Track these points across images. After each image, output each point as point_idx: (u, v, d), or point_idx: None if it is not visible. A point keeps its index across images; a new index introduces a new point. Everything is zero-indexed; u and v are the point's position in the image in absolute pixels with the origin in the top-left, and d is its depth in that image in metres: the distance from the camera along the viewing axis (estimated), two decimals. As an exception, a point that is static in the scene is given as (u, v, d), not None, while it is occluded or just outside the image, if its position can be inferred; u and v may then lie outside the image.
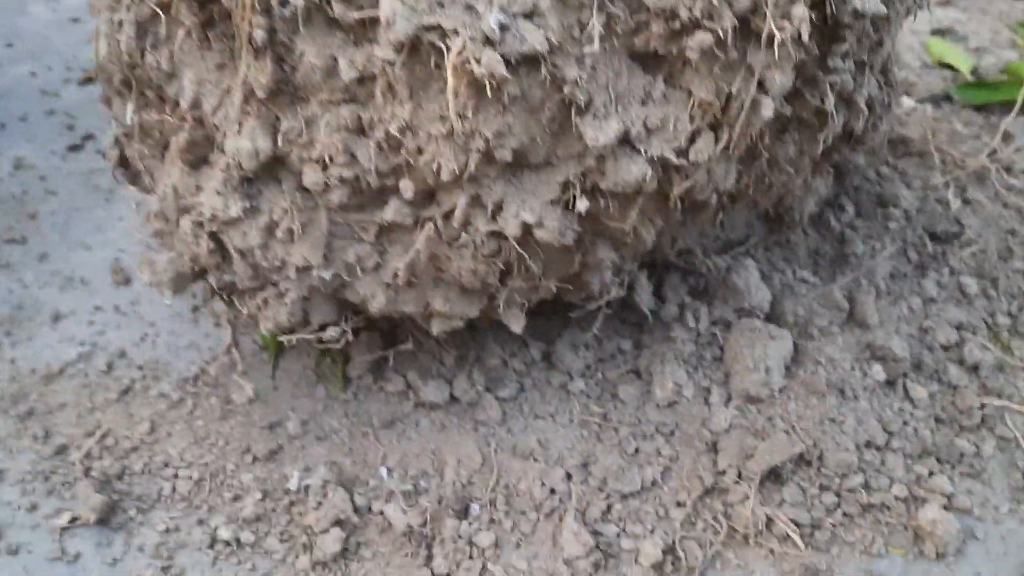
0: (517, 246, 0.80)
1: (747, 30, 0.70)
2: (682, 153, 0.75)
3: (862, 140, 0.98)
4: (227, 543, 0.94)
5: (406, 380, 1.08)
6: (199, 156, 0.84)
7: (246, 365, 1.10)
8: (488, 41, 0.66)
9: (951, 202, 1.25)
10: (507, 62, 0.66)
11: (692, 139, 0.75)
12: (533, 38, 0.68)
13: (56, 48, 1.69)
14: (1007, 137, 1.39)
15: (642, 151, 0.74)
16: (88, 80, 1.58)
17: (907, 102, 1.48)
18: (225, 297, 0.93)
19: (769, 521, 0.96)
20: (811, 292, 1.11)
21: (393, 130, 0.74)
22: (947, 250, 1.20)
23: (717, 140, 0.76)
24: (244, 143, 0.76)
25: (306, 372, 1.11)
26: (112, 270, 1.24)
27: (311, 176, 0.79)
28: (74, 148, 1.44)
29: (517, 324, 0.95)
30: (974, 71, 1.55)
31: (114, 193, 1.37)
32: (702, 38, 0.68)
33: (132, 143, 0.92)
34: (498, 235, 0.81)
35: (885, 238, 1.18)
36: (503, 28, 0.67)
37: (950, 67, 1.59)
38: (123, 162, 0.98)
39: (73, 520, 0.97)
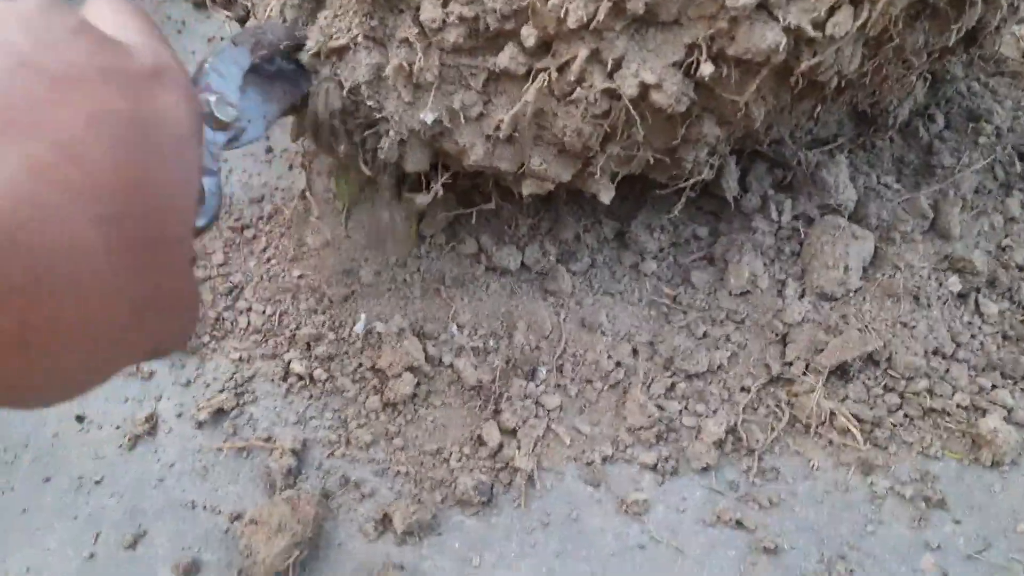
0: (630, 107, 0.79)
1: None
2: (819, 25, 0.73)
3: (982, 44, 0.95)
4: (300, 377, 0.96)
5: (479, 243, 1.08)
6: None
7: (321, 211, 1.10)
8: None
9: (1043, 124, 1.23)
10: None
11: (832, 11, 0.73)
12: None
13: None
14: (1104, 66, 1.35)
15: (779, 18, 0.72)
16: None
17: (1004, 20, 1.44)
18: (319, 133, 0.92)
19: (832, 414, 0.97)
20: (896, 197, 1.10)
21: (526, -31, 0.71)
22: (1034, 172, 1.18)
23: (856, 16, 0.73)
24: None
25: (379, 225, 1.11)
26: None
27: (429, 11, 0.77)
28: (150, -23, 1.41)
29: (607, 194, 0.94)
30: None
31: (186, 25, 1.34)
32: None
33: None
34: (611, 94, 0.79)
35: (973, 152, 1.16)
36: None
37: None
38: (222, -16, 0.95)
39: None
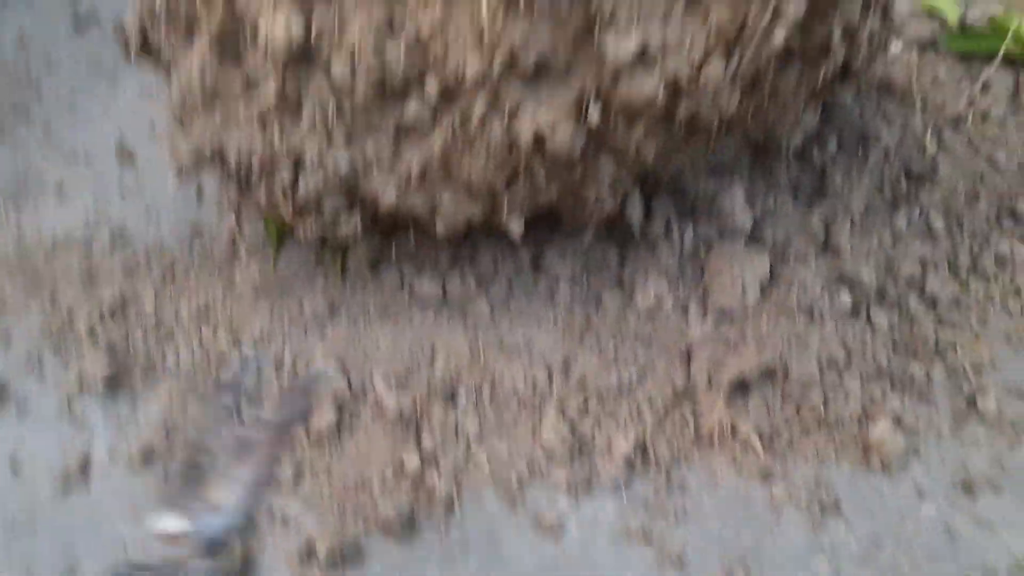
0: (527, 151, 0.85)
1: (767, -40, 0.74)
2: (694, 74, 0.80)
3: (856, 76, 1.03)
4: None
5: (402, 275, 1.14)
6: (226, 41, 0.86)
7: (250, 251, 1.14)
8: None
9: (928, 144, 1.32)
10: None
11: (705, 61, 0.80)
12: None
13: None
14: (986, 86, 1.45)
15: (657, 68, 0.79)
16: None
17: (895, 46, 1.53)
18: (240, 182, 0.97)
19: (734, 427, 1.04)
20: (790, 219, 1.17)
21: (423, 30, 0.77)
22: (920, 189, 1.26)
23: (728, 64, 0.80)
24: (277, 26, 0.79)
25: (306, 262, 1.15)
26: (116, 149, 1.26)
27: (339, 69, 0.82)
28: (79, 27, 1.44)
29: (516, 228, 1.00)
30: (961, 20, 1.60)
31: (118, 74, 1.37)
32: (725, -37, 0.72)
33: (158, 25, 0.94)
34: (511, 140, 0.85)
35: (863, 173, 1.24)
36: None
37: (938, 15, 1.63)
38: (144, 44, 1.00)
39: (79, 383, 1.01)
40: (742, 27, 0.76)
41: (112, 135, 1.28)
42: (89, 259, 1.13)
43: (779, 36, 0.76)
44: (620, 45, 0.76)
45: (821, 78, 0.89)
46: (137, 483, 0.96)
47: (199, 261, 1.14)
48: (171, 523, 0.58)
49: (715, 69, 0.80)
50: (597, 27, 0.76)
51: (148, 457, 0.97)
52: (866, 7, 0.86)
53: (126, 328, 1.06)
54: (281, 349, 1.05)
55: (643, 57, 0.79)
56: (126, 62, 1.10)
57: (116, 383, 1.02)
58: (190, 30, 0.91)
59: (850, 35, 0.88)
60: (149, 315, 1.08)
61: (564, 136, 0.83)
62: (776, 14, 0.75)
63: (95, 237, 1.15)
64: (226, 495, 0.61)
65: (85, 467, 0.97)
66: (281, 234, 1.15)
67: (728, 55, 0.80)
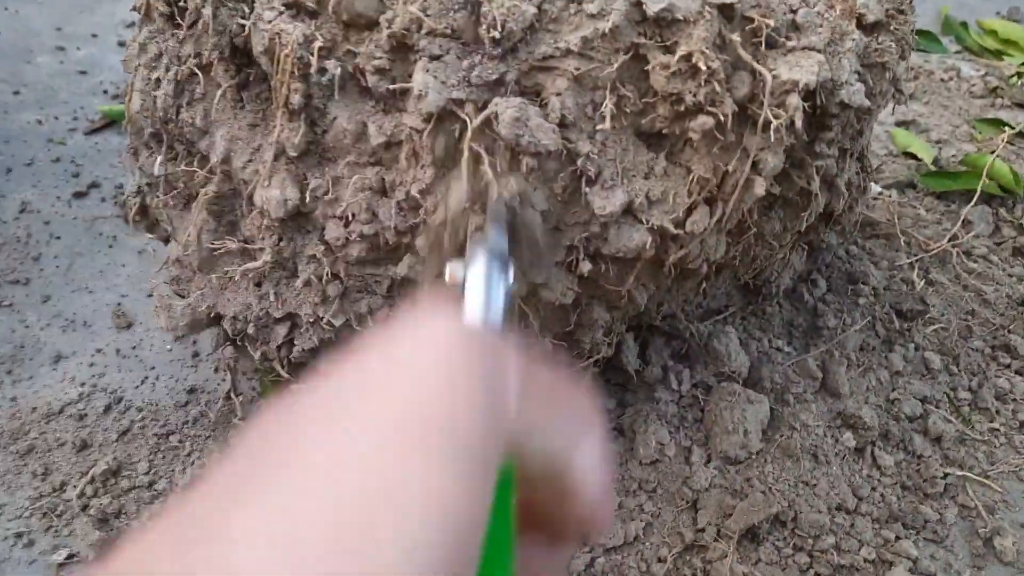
0: (521, 303, 0.86)
1: (745, 115, 0.77)
2: (680, 224, 0.82)
3: (839, 220, 1.06)
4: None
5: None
6: (224, 208, 0.89)
7: (246, 411, 1.14)
8: (510, 119, 0.73)
9: (916, 282, 1.34)
10: (526, 138, 0.73)
11: (689, 211, 0.82)
12: (550, 117, 0.75)
13: (62, 98, 1.74)
14: (967, 224, 1.49)
15: (643, 220, 0.81)
16: (95, 130, 1.63)
17: (874, 187, 1.58)
18: (238, 343, 0.97)
19: (746, 577, 1.00)
20: (786, 360, 1.18)
21: (414, 192, 0.80)
22: (912, 327, 1.27)
23: (712, 214, 0.82)
24: (274, 193, 0.81)
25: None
26: (114, 314, 1.27)
27: (333, 231, 0.84)
28: (79, 195, 1.48)
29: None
30: (935, 161, 1.65)
31: (117, 240, 1.40)
32: (704, 121, 0.75)
33: (155, 193, 0.97)
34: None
35: (855, 313, 1.25)
36: (523, 107, 0.74)
37: (914, 156, 1.69)
38: (143, 211, 1.03)
39: (70, 557, 0.98)
40: (723, 179, 0.79)
41: (110, 301, 1.30)
42: (83, 426, 1.12)
43: (759, 186, 0.78)
44: (607, 201, 0.78)
45: (804, 222, 0.91)
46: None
47: (195, 423, 1.13)
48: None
49: (700, 218, 0.82)
50: (584, 185, 0.78)
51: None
52: (843, 157, 0.90)
53: (119, 496, 1.04)
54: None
55: (629, 211, 0.81)
56: (126, 229, 1.13)
57: (107, 554, 0.99)
58: (188, 198, 0.94)
59: (829, 183, 0.91)
60: (143, 482, 1.06)
61: (556, 286, 0.85)
62: (755, 166, 0.78)
63: (90, 404, 1.15)
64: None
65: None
66: (278, 393, 1.15)
67: (711, 205, 0.83)
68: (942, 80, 1.98)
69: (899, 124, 1.82)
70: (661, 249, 0.85)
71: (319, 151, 0.83)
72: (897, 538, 1.05)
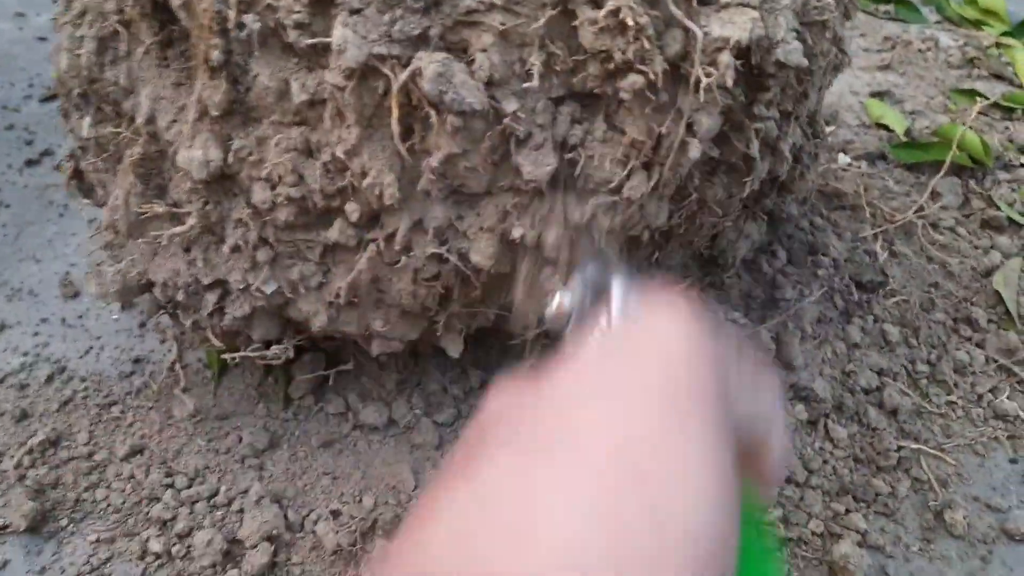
0: (456, 270, 0.84)
1: (677, 75, 0.74)
2: (616, 190, 0.79)
3: (789, 188, 1.03)
4: (157, 555, 0.95)
5: (346, 402, 1.11)
6: (150, 169, 0.87)
7: (190, 382, 1.12)
8: (433, 74, 0.70)
9: (878, 254, 1.31)
10: (450, 95, 0.70)
11: (626, 177, 0.80)
12: (477, 75, 0.72)
13: (20, 65, 1.71)
14: (935, 195, 1.47)
15: (575, 188, 0.78)
16: (50, 97, 1.60)
17: (843, 159, 1.56)
18: (169, 310, 0.95)
19: (691, 550, 0.99)
20: (740, 332, 1.15)
21: (339, 153, 0.77)
22: (872, 299, 1.25)
23: (649, 179, 0.80)
24: (196, 153, 0.78)
25: (248, 391, 1.12)
26: (61, 283, 1.25)
27: (260, 194, 0.82)
28: (31, 163, 1.46)
29: (455, 349, 0.98)
30: (908, 132, 1.63)
31: (68, 209, 1.38)
32: (634, 80, 0.72)
33: (87, 156, 0.94)
34: (438, 259, 0.84)
35: (813, 284, 1.23)
36: (447, 63, 0.71)
37: (886, 128, 1.66)
38: (77, 175, 1.00)
39: (3, 527, 0.97)
40: (658, 143, 0.77)
41: (59, 270, 1.27)
42: (24, 396, 1.10)
43: (695, 149, 0.76)
44: (536, 166, 0.76)
45: (748, 187, 0.88)
46: (56, 634, 0.91)
47: (138, 394, 1.11)
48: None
49: (638, 184, 0.80)
50: (512, 147, 0.76)
51: (66, 605, 0.92)
52: (786, 120, 0.87)
53: (56, 467, 1.02)
54: (216, 487, 1.01)
55: (559, 175, 0.79)
56: (78, 198, 1.11)
57: (40, 524, 0.97)
58: (118, 161, 0.91)
59: (771, 147, 0.88)
60: (82, 452, 1.04)
61: (490, 253, 0.82)
62: (690, 128, 0.75)
63: (32, 374, 1.13)
64: None
65: (1, 618, 0.91)
66: (223, 363, 1.13)
67: (649, 170, 0.80)
68: (919, 50, 1.95)
69: (873, 95, 1.79)
70: (601, 215, 0.83)
71: (243, 111, 0.80)
72: (847, 511, 1.04)
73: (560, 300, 0.51)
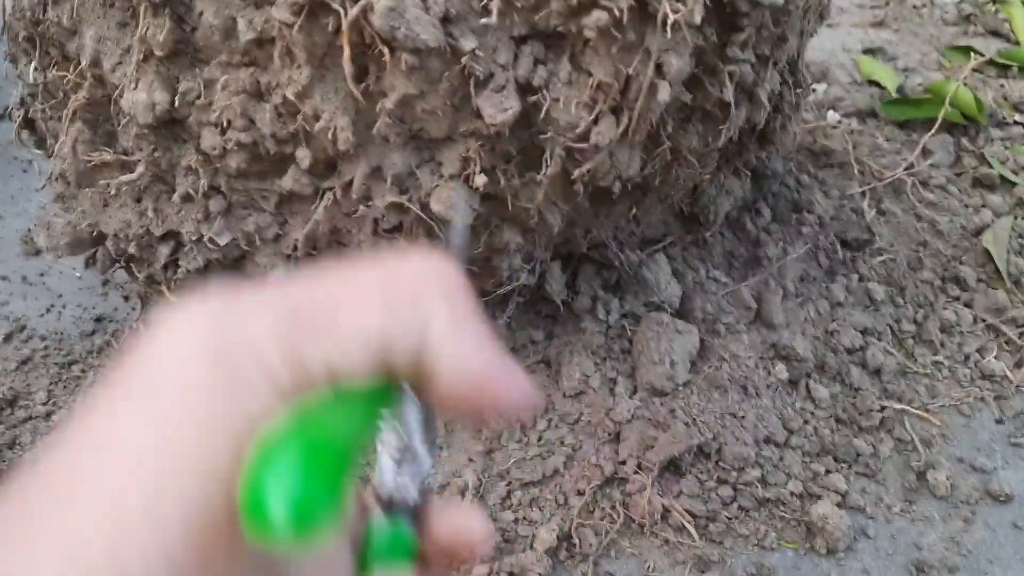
0: (418, 220, 0.80)
1: (645, 12, 0.70)
2: (583, 136, 0.76)
3: (771, 140, 0.99)
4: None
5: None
6: (97, 115, 0.83)
7: (151, 339, 1.08)
8: (384, 9, 0.66)
9: (865, 212, 1.28)
10: (403, 31, 0.66)
11: (594, 122, 0.76)
12: (432, 10, 0.68)
13: (-14, 19, 1.66)
14: (926, 153, 1.43)
15: (544, 131, 0.75)
16: (15, 51, 1.55)
17: (832, 116, 1.51)
18: (123, 264, 0.92)
19: (665, 511, 0.96)
20: (721, 290, 1.12)
21: (290, 95, 0.73)
22: (857, 257, 1.22)
23: (618, 124, 0.76)
24: (141, 96, 0.75)
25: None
26: (22, 240, 1.22)
27: (209, 140, 0.78)
28: (-5, 118, 1.42)
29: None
30: (899, 89, 1.59)
31: (32, 165, 1.34)
32: (598, 16, 0.68)
33: (36, 103, 0.90)
34: (398, 208, 0.81)
35: (797, 242, 1.20)
36: (401, -4, 0.67)
37: (878, 84, 1.62)
38: (28, 124, 0.96)
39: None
40: (626, 85, 0.73)
41: (20, 227, 1.24)
42: (-18, 355, 1.07)
43: (664, 92, 0.72)
44: (498, 109, 0.72)
45: (724, 136, 0.85)
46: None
47: (99, 352, 1.08)
48: None
49: (606, 129, 0.76)
50: (472, 89, 0.72)
51: None
52: (763, 65, 0.83)
53: (13, 426, 0.99)
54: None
55: (528, 118, 0.75)
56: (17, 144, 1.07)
57: (-4, 486, 0.94)
58: (66, 107, 0.87)
59: (748, 93, 0.84)
60: (40, 412, 1.01)
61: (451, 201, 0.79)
62: (659, 70, 0.71)
63: (-8, 332, 1.10)
64: None
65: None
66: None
67: (617, 115, 0.76)
68: (914, 7, 1.90)
69: (866, 51, 1.75)
70: (567, 163, 0.79)
71: (190, 51, 0.76)
72: (827, 472, 1.01)
73: None
